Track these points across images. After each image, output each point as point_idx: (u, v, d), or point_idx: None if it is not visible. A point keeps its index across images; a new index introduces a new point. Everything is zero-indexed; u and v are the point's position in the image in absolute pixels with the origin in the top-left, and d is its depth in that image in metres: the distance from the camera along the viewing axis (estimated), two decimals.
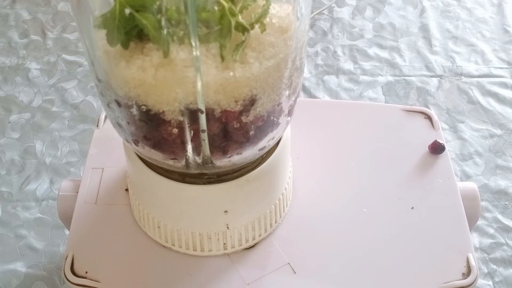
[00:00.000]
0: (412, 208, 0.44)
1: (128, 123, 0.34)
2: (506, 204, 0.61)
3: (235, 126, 0.33)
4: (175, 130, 0.33)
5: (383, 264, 0.42)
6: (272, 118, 0.35)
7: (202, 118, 0.32)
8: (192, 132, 0.33)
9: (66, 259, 0.41)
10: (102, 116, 0.50)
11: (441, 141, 0.48)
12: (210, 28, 0.29)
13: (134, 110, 0.32)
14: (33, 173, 0.65)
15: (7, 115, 0.71)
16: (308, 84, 0.74)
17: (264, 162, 0.40)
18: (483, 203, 0.62)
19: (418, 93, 0.73)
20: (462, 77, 0.75)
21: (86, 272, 0.41)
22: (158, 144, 0.34)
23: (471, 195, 0.46)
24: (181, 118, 0.32)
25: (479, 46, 0.79)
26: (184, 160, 0.35)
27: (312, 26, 0.81)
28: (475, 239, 0.59)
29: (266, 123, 0.35)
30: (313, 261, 0.42)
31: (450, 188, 0.46)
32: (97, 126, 0.50)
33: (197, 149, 0.34)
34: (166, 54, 0.30)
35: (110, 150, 0.48)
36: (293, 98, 0.37)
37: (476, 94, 0.73)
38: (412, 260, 0.42)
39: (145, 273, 0.41)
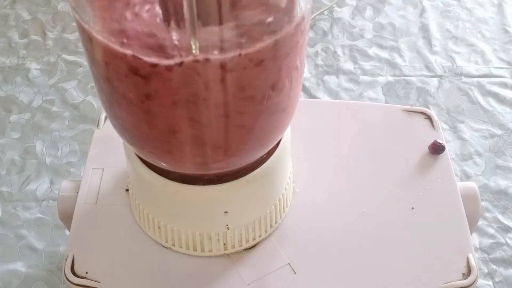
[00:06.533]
0: (412, 208, 0.44)
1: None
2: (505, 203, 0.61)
3: None
4: None
5: (383, 264, 0.42)
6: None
7: None
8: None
9: (66, 259, 0.41)
10: (102, 116, 0.50)
11: (441, 141, 0.48)
12: None
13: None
14: (33, 173, 0.65)
15: (7, 115, 0.71)
16: (308, 84, 0.74)
17: (264, 162, 0.40)
18: (483, 203, 0.62)
19: (418, 93, 0.73)
20: (462, 77, 0.75)
21: (87, 273, 0.41)
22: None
23: (471, 195, 0.46)
24: None
25: (479, 46, 0.79)
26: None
27: (312, 26, 0.81)
28: (475, 239, 0.59)
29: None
30: (313, 261, 0.42)
31: (450, 188, 0.46)
32: (97, 126, 0.50)
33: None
34: None
35: (110, 150, 0.48)
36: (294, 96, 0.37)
37: (476, 94, 0.73)
38: (412, 260, 0.42)
39: (145, 274, 0.41)
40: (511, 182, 0.64)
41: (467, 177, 0.64)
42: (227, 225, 0.41)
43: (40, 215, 0.61)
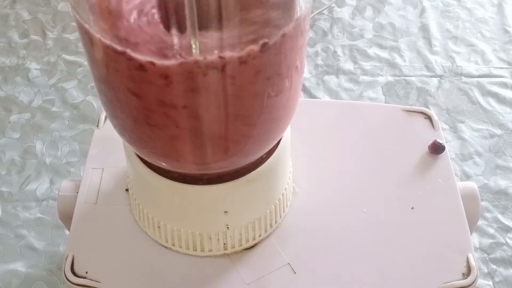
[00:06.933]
0: (412, 208, 0.44)
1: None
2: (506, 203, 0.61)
3: None
4: None
5: (383, 264, 0.42)
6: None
7: None
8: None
9: (66, 259, 0.41)
10: (102, 116, 0.50)
11: (441, 141, 0.48)
12: None
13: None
14: (33, 173, 0.65)
15: (7, 115, 0.71)
16: (308, 84, 0.74)
17: (264, 162, 0.40)
18: (483, 203, 0.62)
19: (418, 93, 0.73)
20: (462, 77, 0.75)
21: (86, 272, 0.41)
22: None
23: (471, 195, 0.46)
24: None
25: (479, 46, 0.79)
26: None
27: (312, 26, 0.81)
28: (475, 239, 0.59)
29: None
30: (313, 261, 0.42)
31: (450, 188, 0.46)
32: (97, 126, 0.50)
33: None
34: None
35: (110, 150, 0.48)
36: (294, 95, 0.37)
37: (476, 94, 0.73)
38: (412, 260, 0.42)
39: (145, 273, 0.41)
40: (511, 182, 0.64)
41: (467, 177, 0.64)
42: (227, 225, 0.41)
43: (40, 215, 0.61)
